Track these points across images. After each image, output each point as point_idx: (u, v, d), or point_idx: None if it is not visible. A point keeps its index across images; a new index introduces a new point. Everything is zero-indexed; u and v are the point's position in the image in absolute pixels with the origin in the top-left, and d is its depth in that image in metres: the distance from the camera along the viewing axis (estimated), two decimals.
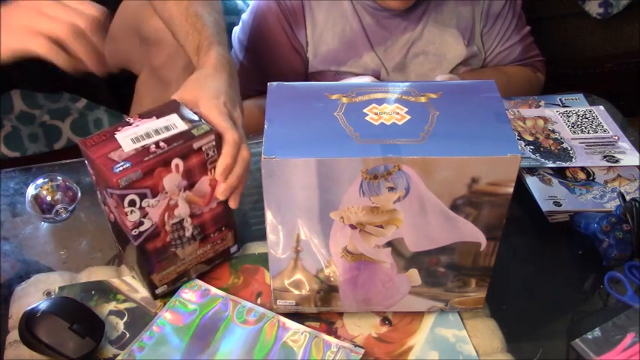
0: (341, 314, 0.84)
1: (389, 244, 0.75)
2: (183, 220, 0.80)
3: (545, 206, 0.97)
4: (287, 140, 0.70)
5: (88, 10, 0.83)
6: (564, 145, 1.07)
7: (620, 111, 1.17)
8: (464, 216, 0.72)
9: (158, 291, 0.84)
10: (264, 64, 1.27)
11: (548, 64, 1.39)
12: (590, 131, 1.10)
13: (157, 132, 0.77)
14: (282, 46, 1.24)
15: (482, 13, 1.26)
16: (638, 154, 1.06)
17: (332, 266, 0.78)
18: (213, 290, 0.86)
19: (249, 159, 0.82)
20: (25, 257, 0.93)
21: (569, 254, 0.94)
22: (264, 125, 0.71)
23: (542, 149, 1.06)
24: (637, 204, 0.89)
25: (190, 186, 0.79)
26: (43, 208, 0.95)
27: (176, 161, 0.76)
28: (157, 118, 0.79)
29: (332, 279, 0.79)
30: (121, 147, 0.75)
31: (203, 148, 0.77)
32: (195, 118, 0.79)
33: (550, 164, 1.03)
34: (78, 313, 0.80)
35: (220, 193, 0.80)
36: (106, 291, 0.87)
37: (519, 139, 1.08)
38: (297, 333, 0.81)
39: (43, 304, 0.80)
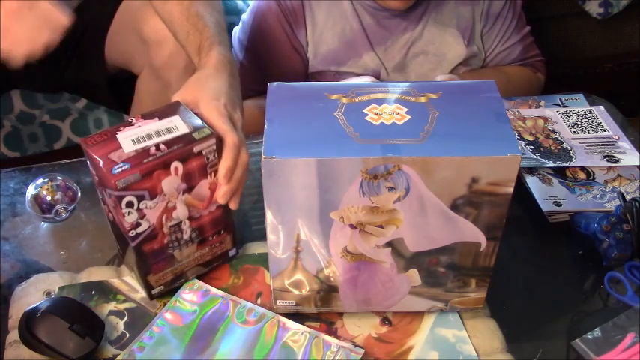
0: (341, 314, 0.84)
1: (389, 244, 0.75)
2: (181, 222, 0.80)
3: (545, 206, 0.97)
4: (287, 140, 0.70)
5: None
6: (564, 145, 1.07)
7: (620, 111, 1.17)
8: (464, 216, 0.72)
9: (154, 291, 0.84)
10: (264, 64, 1.27)
11: (548, 64, 1.39)
12: (590, 131, 1.10)
13: (158, 134, 0.76)
14: (282, 46, 1.24)
15: (482, 13, 1.26)
16: (638, 154, 1.06)
17: (332, 266, 0.78)
18: (213, 290, 0.86)
19: (248, 162, 0.82)
20: (25, 257, 0.94)
21: (569, 254, 0.94)
22: (264, 125, 0.71)
23: (542, 149, 1.06)
24: (637, 204, 0.89)
25: (189, 189, 0.78)
26: (43, 208, 0.95)
27: (175, 164, 0.75)
28: (160, 119, 0.79)
29: (332, 279, 0.79)
30: (121, 148, 0.75)
31: (203, 152, 0.77)
32: (198, 121, 0.79)
33: (550, 164, 1.03)
34: (78, 313, 0.80)
35: (221, 197, 0.80)
36: (106, 291, 0.87)
37: (519, 139, 1.08)
38: (297, 333, 0.81)
39: (43, 304, 0.80)
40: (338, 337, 0.81)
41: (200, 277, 0.87)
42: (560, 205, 0.97)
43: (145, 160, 0.74)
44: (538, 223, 0.96)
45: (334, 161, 0.68)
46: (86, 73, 1.35)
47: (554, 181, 1.02)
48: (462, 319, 0.83)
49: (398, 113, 0.72)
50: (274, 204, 0.72)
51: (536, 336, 0.83)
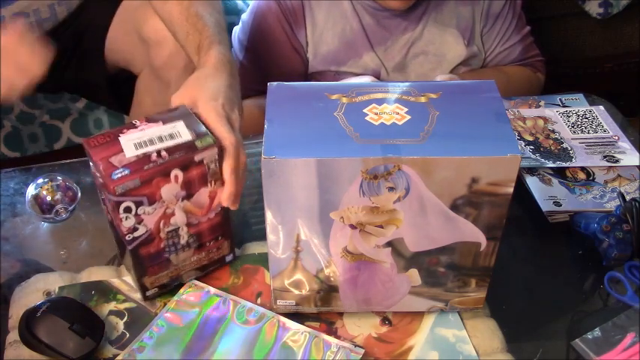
0: (341, 314, 0.84)
1: (389, 244, 0.75)
2: (179, 228, 0.80)
3: (545, 206, 0.97)
4: (287, 140, 0.70)
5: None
6: (564, 145, 1.07)
7: (620, 111, 1.17)
8: (464, 216, 0.72)
9: (149, 293, 0.84)
10: (264, 64, 1.27)
11: (548, 64, 1.39)
12: (590, 131, 1.10)
13: (160, 139, 0.76)
14: (282, 46, 1.24)
15: (482, 13, 1.26)
16: (638, 154, 1.06)
17: (332, 266, 0.78)
18: (213, 290, 0.86)
19: (246, 162, 0.81)
20: (25, 257, 0.94)
21: (569, 254, 0.94)
22: (264, 125, 0.71)
23: (542, 149, 1.06)
24: (637, 204, 0.89)
25: (189, 196, 0.78)
26: (43, 208, 0.95)
27: (175, 172, 0.75)
28: (164, 123, 0.78)
29: (332, 279, 0.79)
30: (122, 151, 0.75)
31: (205, 161, 0.77)
32: (202, 128, 0.78)
33: (550, 164, 1.03)
34: (78, 313, 0.80)
35: (226, 199, 0.79)
36: (106, 291, 0.87)
37: (519, 139, 1.08)
38: (297, 333, 0.81)
39: (43, 304, 0.80)
40: (338, 337, 0.81)
41: (200, 278, 0.87)
42: (560, 205, 0.97)
43: (146, 167, 0.74)
44: (538, 223, 0.96)
45: (334, 161, 0.68)
46: (86, 73, 1.35)
47: (554, 181, 1.02)
48: (462, 319, 0.83)
49: (398, 113, 0.72)
50: (274, 204, 0.72)
51: (536, 336, 0.83)
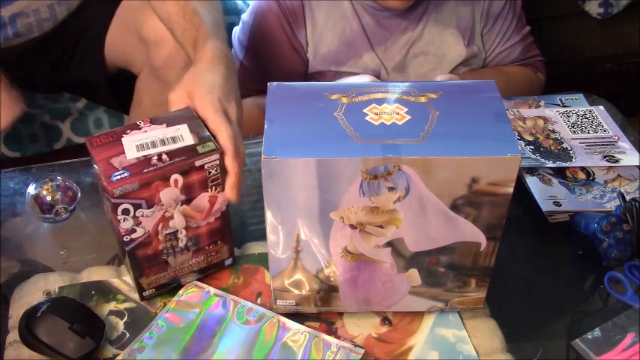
0: (341, 314, 0.84)
1: (389, 244, 0.75)
2: (177, 231, 0.80)
3: (545, 206, 0.97)
4: (287, 140, 0.70)
5: None
6: (564, 145, 1.07)
7: (620, 111, 1.17)
8: (464, 216, 0.72)
9: (145, 294, 0.84)
10: (264, 64, 1.27)
11: (548, 64, 1.39)
12: (590, 131, 1.10)
13: (162, 142, 0.76)
14: (282, 46, 1.24)
15: (482, 13, 1.26)
16: (638, 154, 1.06)
17: (332, 266, 0.77)
18: (213, 290, 0.86)
19: (244, 153, 0.81)
20: (25, 257, 0.93)
21: (569, 254, 0.94)
22: (264, 125, 0.71)
23: (542, 149, 1.06)
24: (637, 204, 0.89)
25: (188, 200, 0.78)
26: (43, 208, 0.95)
27: (175, 176, 0.75)
28: (168, 126, 0.78)
29: (332, 279, 0.79)
30: (124, 153, 0.75)
31: (205, 166, 0.76)
32: (206, 133, 0.78)
33: (550, 164, 1.03)
34: (78, 313, 0.80)
35: (230, 189, 0.79)
36: (105, 291, 0.87)
37: (519, 139, 1.08)
38: (297, 333, 0.81)
39: (43, 304, 0.80)
40: (338, 337, 0.81)
41: (200, 278, 0.87)
42: (560, 205, 0.97)
43: (145, 170, 0.74)
44: (538, 223, 0.96)
45: (334, 161, 0.68)
46: (86, 73, 1.35)
47: (554, 181, 1.02)
48: (462, 319, 0.83)
49: (398, 113, 0.72)
50: (274, 204, 0.72)
51: (536, 336, 0.83)
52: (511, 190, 0.70)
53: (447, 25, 1.25)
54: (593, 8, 1.74)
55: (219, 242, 0.85)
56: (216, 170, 0.77)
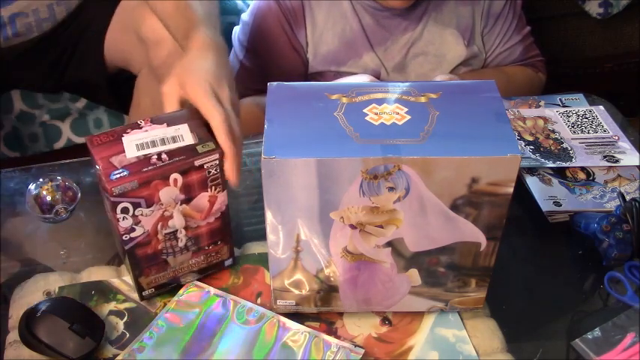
0: (341, 314, 0.84)
1: (389, 244, 0.75)
2: (177, 231, 0.80)
3: (545, 206, 0.97)
4: (287, 140, 0.70)
5: None
6: (564, 145, 1.07)
7: (620, 111, 1.17)
8: (464, 216, 0.72)
9: (145, 293, 0.84)
10: (264, 64, 1.27)
11: (548, 64, 1.39)
12: (590, 131, 1.10)
13: (162, 141, 0.76)
14: (282, 46, 1.24)
15: (482, 13, 1.26)
16: (638, 154, 1.06)
17: (332, 266, 0.78)
18: (213, 290, 0.86)
19: (241, 134, 0.80)
20: (25, 257, 0.93)
21: (569, 254, 0.94)
22: (264, 125, 0.71)
23: (542, 149, 1.06)
24: (637, 204, 0.89)
25: (188, 200, 0.78)
26: (43, 208, 0.95)
27: (175, 176, 0.75)
28: (168, 125, 0.78)
29: (332, 279, 0.79)
30: (124, 152, 0.75)
31: (205, 166, 0.76)
32: (206, 133, 0.78)
33: (550, 164, 1.03)
34: (78, 313, 0.80)
35: (230, 171, 0.78)
36: (105, 291, 0.87)
37: (519, 139, 1.08)
38: (297, 333, 0.81)
39: (43, 304, 0.80)
40: (338, 337, 0.81)
41: (200, 278, 0.87)
42: (560, 205, 0.97)
43: (145, 169, 0.74)
44: (538, 223, 0.96)
45: (334, 161, 0.68)
46: (86, 73, 1.35)
47: (554, 181, 1.02)
48: (462, 319, 0.83)
49: (398, 113, 0.72)
50: (274, 204, 0.72)
51: (536, 336, 0.83)
52: (511, 190, 0.70)
53: (447, 25, 1.25)
54: (593, 8, 1.74)
55: (219, 242, 0.85)
56: (215, 170, 0.78)
